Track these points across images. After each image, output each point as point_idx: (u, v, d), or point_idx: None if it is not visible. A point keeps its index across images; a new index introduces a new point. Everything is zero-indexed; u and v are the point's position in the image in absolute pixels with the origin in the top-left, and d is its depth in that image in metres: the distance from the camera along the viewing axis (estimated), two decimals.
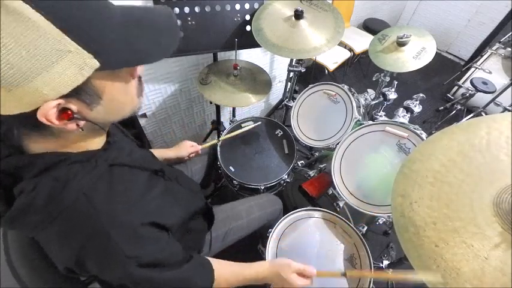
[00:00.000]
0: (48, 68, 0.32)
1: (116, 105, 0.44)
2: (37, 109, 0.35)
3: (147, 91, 1.36)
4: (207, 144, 1.10)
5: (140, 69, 0.46)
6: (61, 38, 0.32)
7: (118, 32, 0.37)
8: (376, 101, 1.41)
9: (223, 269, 0.68)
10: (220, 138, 1.15)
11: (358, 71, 2.76)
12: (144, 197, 0.54)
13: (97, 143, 0.50)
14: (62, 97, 0.35)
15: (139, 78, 0.49)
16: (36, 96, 0.33)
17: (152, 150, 0.84)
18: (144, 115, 1.46)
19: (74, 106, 0.38)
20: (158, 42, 0.42)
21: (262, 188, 1.12)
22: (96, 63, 0.35)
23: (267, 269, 0.72)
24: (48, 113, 0.35)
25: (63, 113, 0.37)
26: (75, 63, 0.34)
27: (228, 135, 1.17)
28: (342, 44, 2.26)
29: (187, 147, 1.04)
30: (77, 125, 0.40)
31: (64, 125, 0.38)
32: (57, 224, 0.43)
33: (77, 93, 0.37)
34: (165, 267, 0.54)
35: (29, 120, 0.36)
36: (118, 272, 0.47)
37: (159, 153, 0.96)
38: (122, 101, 0.45)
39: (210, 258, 0.67)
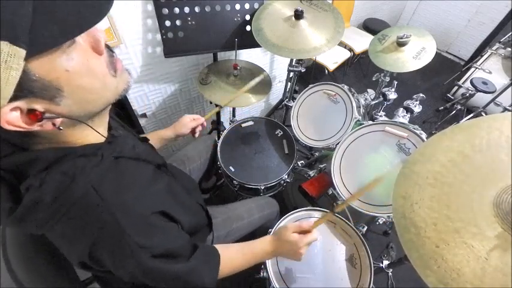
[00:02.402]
0: None
1: (85, 93, 0.39)
2: None
3: (147, 91, 1.36)
4: (209, 114, 1.00)
5: (102, 42, 0.40)
6: None
7: (32, 5, 0.30)
8: (376, 101, 1.41)
9: (229, 253, 0.68)
10: (223, 105, 1.05)
11: (358, 71, 2.76)
12: (152, 188, 0.54)
13: (99, 136, 0.49)
14: (15, 99, 0.32)
15: (111, 53, 0.43)
16: None
17: (148, 135, 0.81)
18: (144, 115, 1.45)
19: (38, 105, 0.35)
20: (87, 2, 0.35)
21: (262, 187, 1.12)
22: (19, 50, 0.29)
23: (269, 242, 0.71)
24: (9, 119, 0.33)
25: (31, 114, 0.35)
26: None
27: (231, 100, 1.05)
28: (342, 44, 2.26)
29: (187, 123, 0.92)
30: (53, 124, 0.38)
31: (39, 126, 0.36)
32: (67, 219, 0.42)
33: (27, 91, 0.33)
34: (175, 259, 0.54)
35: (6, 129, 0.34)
36: (131, 263, 0.47)
37: (156, 135, 0.91)
38: (91, 86, 0.40)
39: (216, 245, 0.67)
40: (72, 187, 0.42)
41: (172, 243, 0.53)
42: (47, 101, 0.36)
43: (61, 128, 0.40)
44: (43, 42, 0.32)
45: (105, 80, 0.42)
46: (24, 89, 0.32)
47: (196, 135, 0.96)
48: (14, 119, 0.34)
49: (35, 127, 0.36)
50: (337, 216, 0.92)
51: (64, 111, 0.38)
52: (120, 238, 0.45)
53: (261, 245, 0.71)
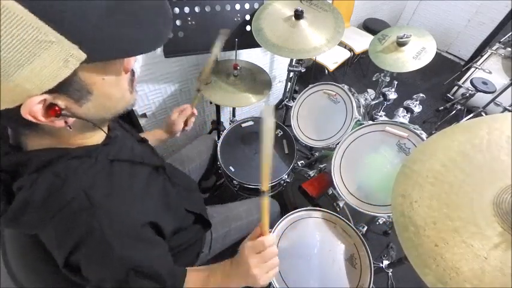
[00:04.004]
0: (30, 60, 0.30)
1: (107, 101, 0.42)
2: (21, 105, 0.33)
3: (147, 91, 1.36)
4: (195, 100, 0.89)
5: (133, 63, 0.44)
6: (41, 27, 0.29)
7: (104, 20, 0.34)
8: (376, 101, 1.42)
9: (193, 280, 0.61)
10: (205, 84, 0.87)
11: (358, 71, 2.76)
12: (144, 195, 0.53)
13: (96, 138, 0.49)
14: (47, 92, 0.33)
15: (133, 73, 0.47)
16: (19, 91, 0.31)
17: (144, 134, 0.80)
18: (144, 115, 1.45)
19: (61, 102, 0.36)
20: (149, 30, 0.39)
21: None
22: (82, 55, 0.32)
23: (228, 264, 0.62)
24: (33, 109, 0.34)
25: (51, 109, 0.36)
26: (59, 55, 0.31)
27: (207, 69, 0.88)
28: (342, 44, 2.26)
29: (175, 120, 0.86)
30: (65, 122, 0.39)
31: (51, 122, 0.37)
32: (56, 221, 0.42)
33: (64, 88, 0.35)
34: (156, 283, 0.49)
35: (18, 117, 0.34)
36: (107, 274, 0.45)
37: (152, 135, 0.88)
38: (114, 96, 0.43)
39: (189, 268, 0.61)
40: (62, 189, 0.41)
41: (155, 262, 0.50)
42: (73, 100, 0.37)
43: (71, 127, 0.40)
44: (104, 54, 0.36)
45: (124, 93, 0.45)
46: (63, 86, 0.34)
47: (188, 127, 0.89)
48: (36, 111, 0.34)
49: (48, 122, 0.37)
50: (337, 216, 0.92)
51: (81, 113, 0.40)
52: (103, 247, 0.43)
53: (223, 267, 0.62)
